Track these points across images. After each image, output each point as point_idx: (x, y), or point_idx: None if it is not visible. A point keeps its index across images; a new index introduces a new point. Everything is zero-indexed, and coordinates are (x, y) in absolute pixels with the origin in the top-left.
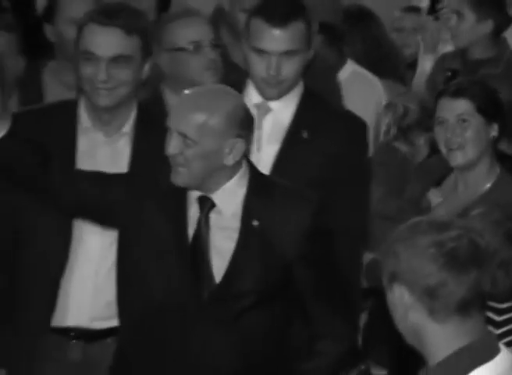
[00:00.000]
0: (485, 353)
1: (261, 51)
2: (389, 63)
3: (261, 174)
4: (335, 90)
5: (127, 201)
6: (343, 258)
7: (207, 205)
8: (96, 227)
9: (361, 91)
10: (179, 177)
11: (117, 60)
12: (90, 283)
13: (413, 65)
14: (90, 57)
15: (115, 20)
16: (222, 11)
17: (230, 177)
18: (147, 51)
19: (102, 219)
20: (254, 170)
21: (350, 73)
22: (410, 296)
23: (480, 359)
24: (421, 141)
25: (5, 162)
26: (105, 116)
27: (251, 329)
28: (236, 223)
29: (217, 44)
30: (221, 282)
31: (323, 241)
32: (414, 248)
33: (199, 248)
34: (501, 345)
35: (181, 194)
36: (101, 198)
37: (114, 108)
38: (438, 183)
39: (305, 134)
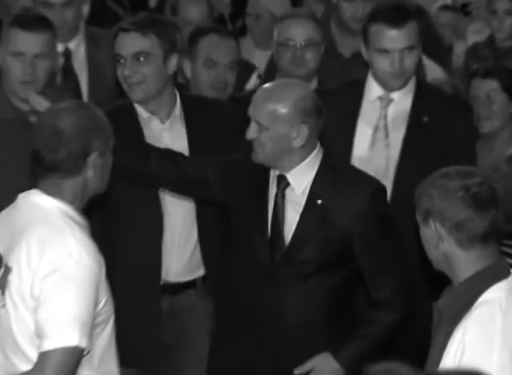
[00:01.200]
0: (500, 274)
1: (384, 51)
2: (437, 49)
3: (332, 158)
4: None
5: (219, 178)
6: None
7: (283, 183)
8: (178, 199)
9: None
10: (257, 156)
11: (137, 56)
12: (175, 246)
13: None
14: (119, 59)
15: (132, 25)
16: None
17: (302, 159)
18: (168, 48)
19: (193, 192)
20: (326, 155)
21: None
22: (441, 229)
23: (496, 278)
24: None
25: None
26: (152, 107)
27: (315, 291)
28: (303, 200)
29: (314, 43)
30: (287, 247)
31: (382, 223)
32: (445, 191)
33: (276, 218)
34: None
35: (264, 173)
36: (194, 174)
37: (152, 99)
38: None
39: (425, 119)
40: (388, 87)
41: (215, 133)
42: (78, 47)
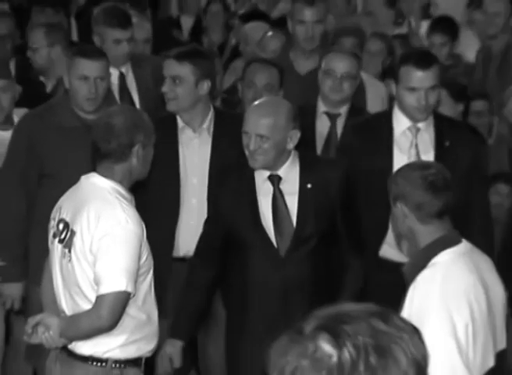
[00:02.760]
0: (452, 241)
1: (412, 89)
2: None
3: (306, 152)
4: (361, 92)
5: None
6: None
7: (275, 179)
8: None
9: (371, 92)
10: (258, 163)
11: (174, 79)
12: (192, 225)
13: None
14: (164, 78)
15: (173, 54)
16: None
17: (288, 157)
18: (201, 74)
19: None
20: (300, 150)
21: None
22: (405, 208)
23: (447, 245)
24: None
25: None
26: (185, 118)
27: (319, 261)
28: (296, 188)
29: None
30: (296, 229)
31: (351, 191)
32: (408, 179)
33: (277, 209)
34: (463, 239)
35: (250, 181)
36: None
37: (183, 112)
38: None
39: (447, 143)
40: (414, 119)
41: (236, 143)
42: (127, 70)
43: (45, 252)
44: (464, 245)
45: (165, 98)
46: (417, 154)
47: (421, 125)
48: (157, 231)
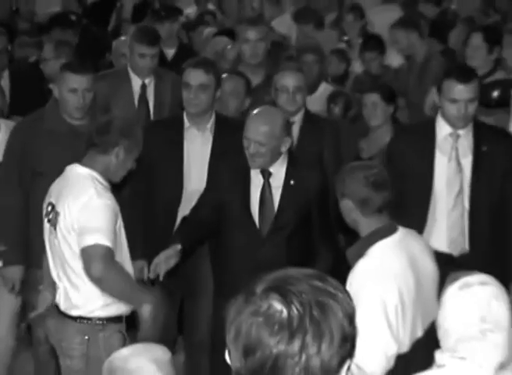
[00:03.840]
0: (388, 232)
1: (454, 100)
2: None
3: (292, 154)
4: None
5: (215, 205)
6: None
7: (266, 174)
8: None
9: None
10: (256, 164)
11: (200, 87)
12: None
13: None
14: (186, 86)
15: (202, 65)
16: None
17: (279, 157)
18: (218, 84)
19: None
20: (289, 152)
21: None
22: (351, 203)
23: (384, 235)
24: None
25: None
26: (195, 119)
27: (293, 246)
28: (281, 183)
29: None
30: (276, 215)
31: (326, 189)
32: (353, 178)
33: (264, 198)
34: (400, 227)
35: (246, 174)
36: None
37: (201, 114)
38: None
39: (484, 148)
40: (455, 127)
41: (232, 143)
42: (150, 82)
43: (42, 237)
44: (399, 234)
45: (185, 102)
46: (457, 157)
47: (461, 132)
48: (161, 213)
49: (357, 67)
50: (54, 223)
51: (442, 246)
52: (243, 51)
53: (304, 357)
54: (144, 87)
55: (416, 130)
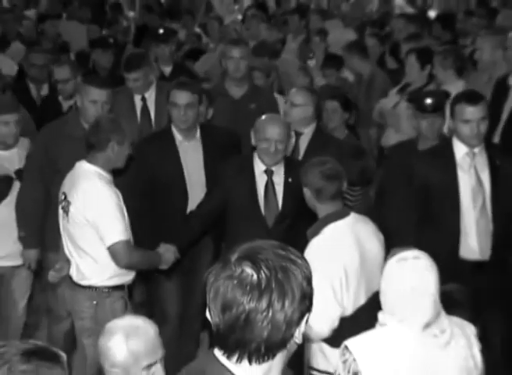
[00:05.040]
0: (339, 216)
1: (467, 121)
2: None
3: (289, 157)
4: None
5: (222, 199)
6: None
7: (269, 173)
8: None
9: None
10: (275, 160)
11: (187, 108)
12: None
13: None
14: (174, 105)
15: (186, 86)
16: None
17: (284, 155)
18: (200, 100)
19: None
20: (286, 155)
21: None
22: (309, 192)
23: (336, 218)
24: None
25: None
26: (185, 132)
27: (293, 234)
28: (282, 180)
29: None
30: (281, 209)
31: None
32: (311, 172)
33: (268, 194)
34: (352, 213)
35: (251, 172)
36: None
37: (189, 128)
38: None
39: (498, 162)
40: (470, 145)
41: (217, 147)
42: (151, 94)
43: (58, 224)
44: (350, 218)
45: (175, 119)
46: (476, 173)
47: (476, 150)
48: (172, 212)
49: (319, 80)
50: (66, 210)
51: (475, 254)
52: (228, 67)
53: (270, 312)
54: (144, 99)
55: (437, 151)
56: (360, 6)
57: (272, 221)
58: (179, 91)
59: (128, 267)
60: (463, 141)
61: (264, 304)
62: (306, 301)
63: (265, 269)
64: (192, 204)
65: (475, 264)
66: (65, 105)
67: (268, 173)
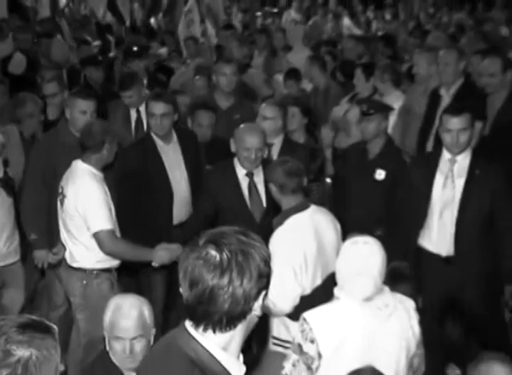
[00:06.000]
0: (299, 209)
1: (449, 130)
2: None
3: (265, 158)
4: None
5: (212, 202)
6: None
7: (250, 175)
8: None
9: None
10: (255, 165)
11: (163, 117)
12: (180, 202)
13: None
14: (152, 115)
15: (161, 97)
16: None
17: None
18: (175, 111)
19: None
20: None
21: None
22: (274, 187)
23: (297, 211)
24: None
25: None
26: (163, 137)
27: (269, 229)
28: (261, 180)
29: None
30: (266, 207)
31: None
32: (275, 170)
33: (252, 194)
34: (312, 205)
35: (234, 176)
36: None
37: (166, 134)
38: None
39: (477, 172)
40: (451, 152)
41: (192, 148)
42: (144, 107)
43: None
44: (310, 211)
45: (153, 127)
46: (452, 177)
47: (458, 157)
48: (157, 209)
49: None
50: (62, 202)
51: (431, 247)
52: (220, 82)
53: (231, 288)
54: (138, 112)
55: (428, 156)
56: (317, 28)
57: (259, 217)
58: (155, 102)
59: (112, 254)
60: (446, 148)
61: (225, 281)
62: (263, 280)
63: (227, 252)
64: (177, 199)
65: (440, 258)
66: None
67: (250, 175)
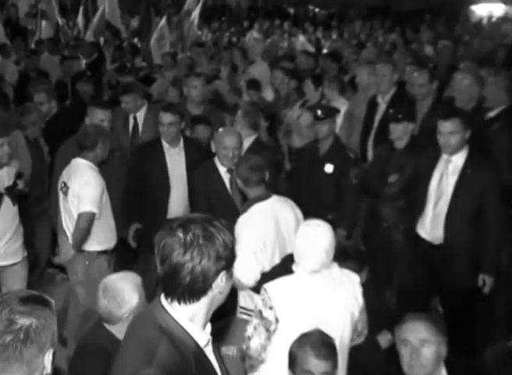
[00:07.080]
0: (262, 198)
1: (440, 132)
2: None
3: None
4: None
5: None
6: None
7: (230, 171)
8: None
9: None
10: (233, 162)
11: (170, 125)
12: (177, 200)
13: None
14: (161, 124)
15: (169, 109)
16: None
17: None
18: (182, 120)
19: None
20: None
21: None
22: (239, 180)
23: (259, 200)
24: None
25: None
26: (170, 142)
27: None
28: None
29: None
30: (242, 199)
31: None
32: (240, 165)
33: (233, 186)
34: (274, 196)
35: (217, 172)
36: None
37: (173, 140)
38: None
39: (469, 171)
40: (445, 153)
41: (197, 154)
42: (141, 115)
43: None
44: (271, 200)
45: (162, 134)
46: (447, 174)
47: (453, 157)
48: (155, 200)
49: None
50: (66, 193)
51: (425, 234)
52: (191, 93)
53: (191, 265)
54: (135, 118)
55: (433, 154)
56: (274, 46)
57: (239, 205)
58: (163, 113)
59: (82, 233)
60: (441, 148)
61: (187, 258)
62: (221, 262)
63: (191, 235)
64: (173, 195)
65: (430, 244)
66: None
67: (230, 171)
